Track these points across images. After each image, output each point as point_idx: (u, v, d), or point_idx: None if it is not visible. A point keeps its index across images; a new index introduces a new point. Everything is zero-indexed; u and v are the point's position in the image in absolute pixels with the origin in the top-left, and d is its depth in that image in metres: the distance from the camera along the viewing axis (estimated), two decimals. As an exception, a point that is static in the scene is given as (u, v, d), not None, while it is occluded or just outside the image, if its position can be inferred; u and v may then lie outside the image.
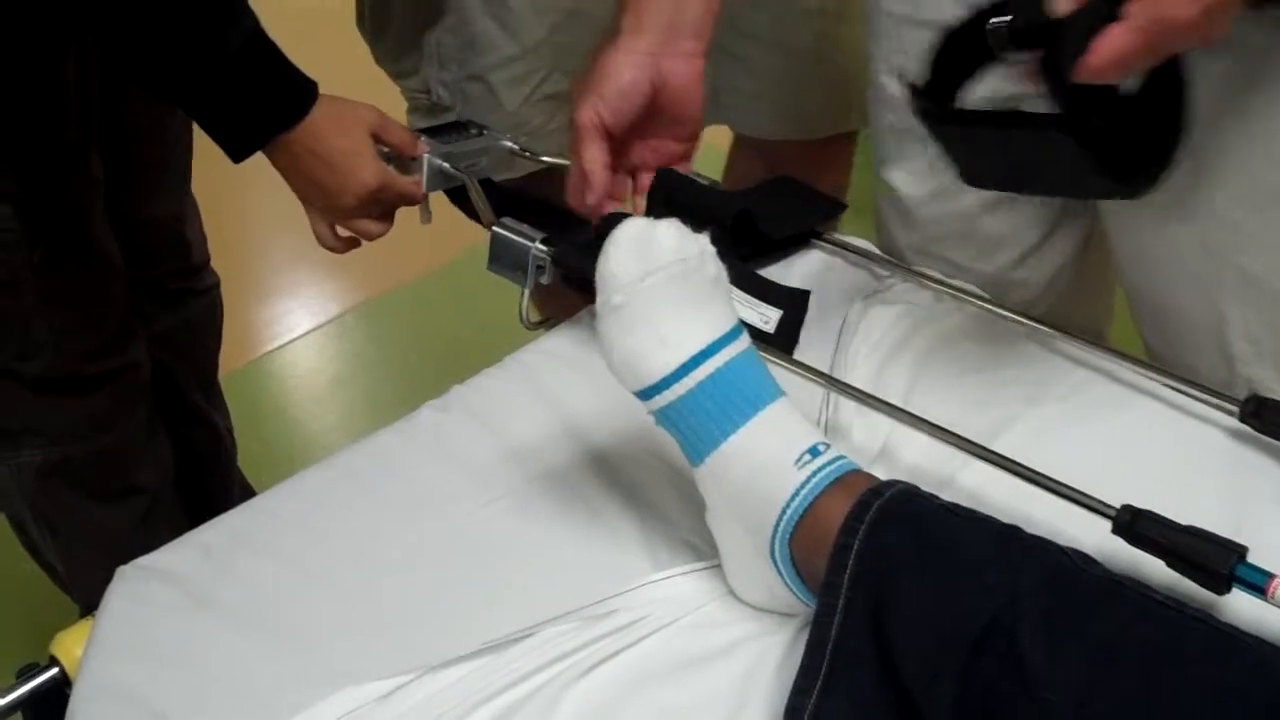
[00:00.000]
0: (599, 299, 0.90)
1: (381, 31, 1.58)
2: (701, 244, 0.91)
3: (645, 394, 0.91)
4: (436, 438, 1.09)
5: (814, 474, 0.88)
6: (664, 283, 0.89)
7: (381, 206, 1.24)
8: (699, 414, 0.90)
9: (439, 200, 1.32)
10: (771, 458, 0.89)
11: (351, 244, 1.28)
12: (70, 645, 0.95)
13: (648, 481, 1.03)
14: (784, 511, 0.87)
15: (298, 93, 1.15)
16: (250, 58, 1.13)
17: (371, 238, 1.27)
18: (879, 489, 0.87)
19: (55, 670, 0.96)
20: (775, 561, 0.89)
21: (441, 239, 1.53)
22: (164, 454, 1.55)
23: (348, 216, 1.23)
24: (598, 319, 0.91)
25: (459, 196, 1.29)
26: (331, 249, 1.27)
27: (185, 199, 1.57)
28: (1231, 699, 0.74)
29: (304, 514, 1.03)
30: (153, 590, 0.96)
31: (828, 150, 1.67)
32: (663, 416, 0.91)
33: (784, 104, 1.60)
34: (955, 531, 0.84)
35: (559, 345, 1.18)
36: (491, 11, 1.49)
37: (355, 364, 2.50)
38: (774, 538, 0.88)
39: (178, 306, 1.58)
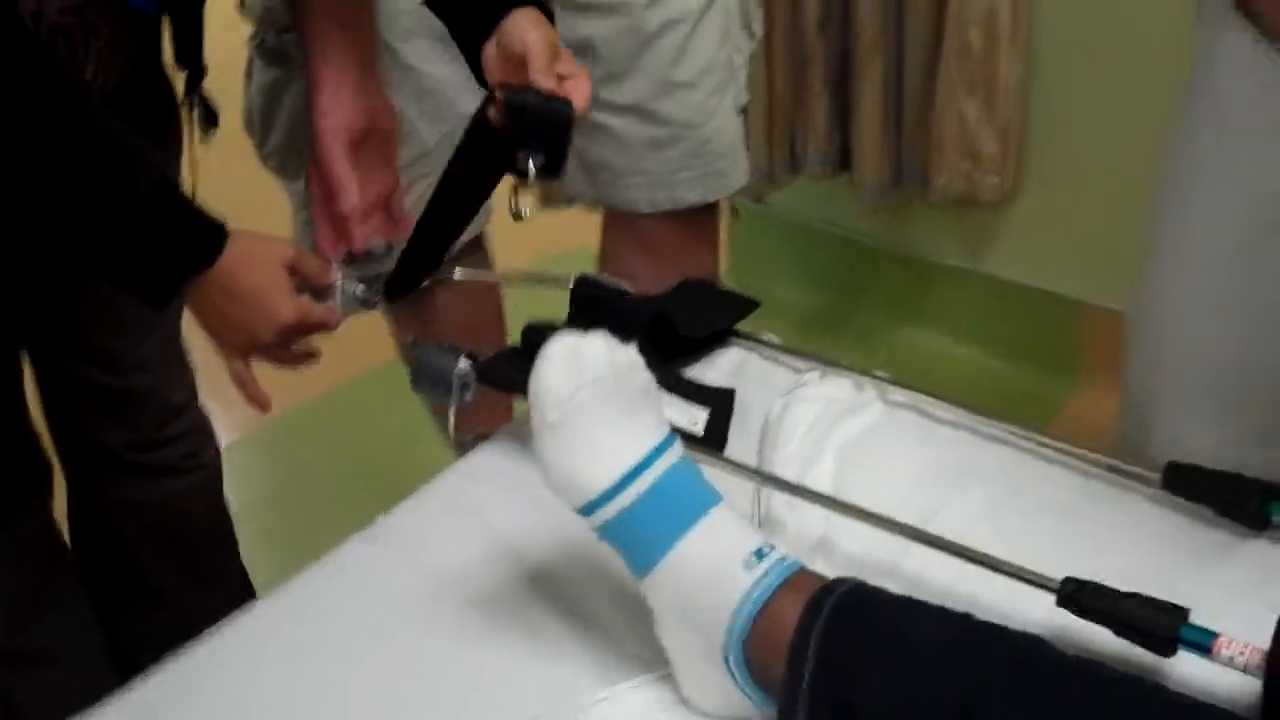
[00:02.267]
0: (534, 417, 0.90)
1: (268, 134, 1.59)
2: (630, 355, 0.92)
3: (586, 510, 0.90)
4: (368, 571, 1.07)
5: (763, 576, 0.88)
6: (597, 397, 0.89)
7: (302, 337, 1.22)
8: (641, 526, 0.90)
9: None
10: (719, 563, 0.89)
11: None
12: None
13: (587, 596, 1.02)
14: (736, 616, 0.87)
15: (208, 235, 1.13)
16: (157, 206, 1.10)
17: (292, 367, 1.25)
18: (830, 587, 0.87)
19: None
20: (729, 666, 0.88)
21: (343, 356, 1.52)
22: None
23: (266, 351, 1.21)
24: (534, 438, 0.90)
25: None
26: (247, 387, 1.24)
27: (129, 356, 1.50)
28: None
29: (243, 659, 1.00)
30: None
31: (698, 222, 1.71)
32: (605, 531, 0.91)
33: (655, 176, 1.64)
34: (910, 624, 0.85)
35: (483, 463, 1.18)
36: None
37: (261, 490, 2.44)
38: (727, 643, 0.88)
39: (144, 479, 1.53)
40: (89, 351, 1.44)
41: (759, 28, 1.70)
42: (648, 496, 0.89)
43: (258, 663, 1.00)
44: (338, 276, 1.23)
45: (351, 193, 1.29)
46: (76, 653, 1.47)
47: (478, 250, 1.76)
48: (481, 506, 1.11)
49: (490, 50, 1.18)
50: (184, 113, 1.37)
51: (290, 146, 1.58)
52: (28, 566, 1.40)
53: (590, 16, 1.54)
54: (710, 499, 0.91)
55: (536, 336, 1.16)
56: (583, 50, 1.56)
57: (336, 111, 1.30)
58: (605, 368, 0.90)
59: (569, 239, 2.14)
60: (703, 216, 1.71)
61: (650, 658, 0.95)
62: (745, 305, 1.27)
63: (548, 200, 2.35)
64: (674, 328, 1.18)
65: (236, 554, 1.68)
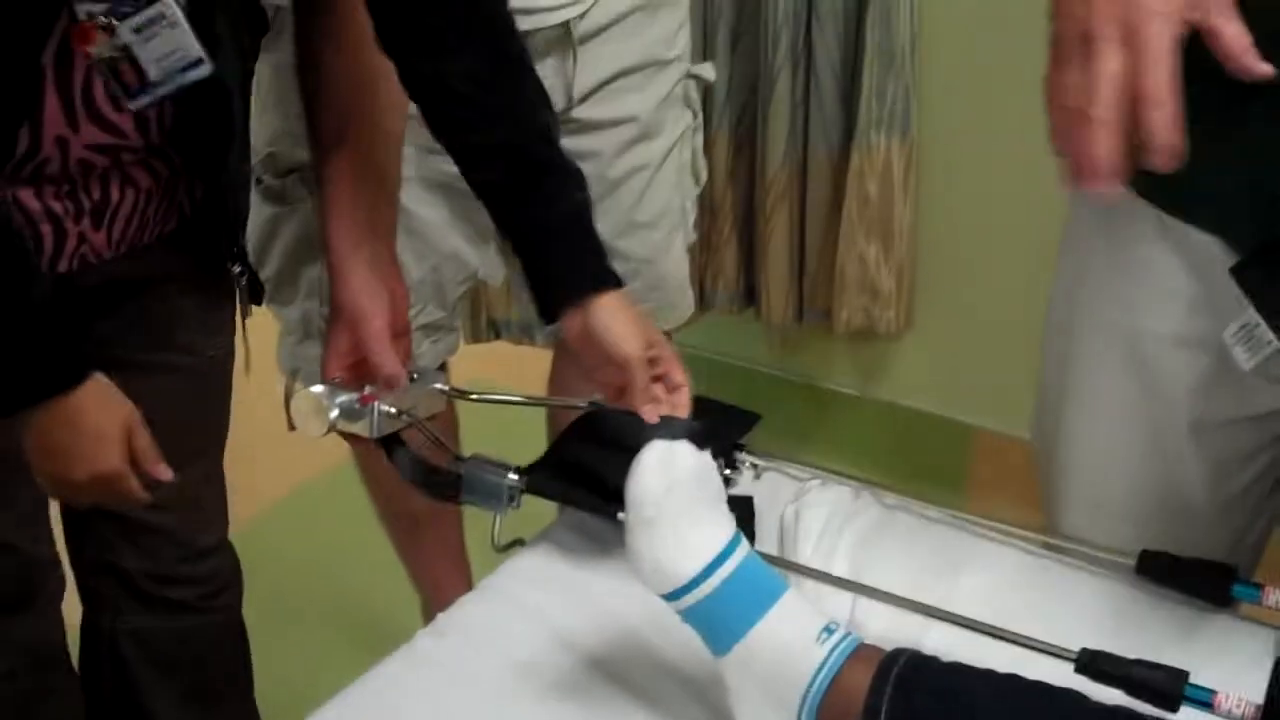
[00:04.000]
0: (629, 515, 1.02)
1: (262, 266, 1.69)
2: (707, 459, 1.05)
3: (674, 595, 1.02)
4: (441, 664, 1.17)
5: (833, 649, 1.01)
6: (686, 495, 1.03)
7: (106, 497, 1.25)
8: (725, 608, 1.02)
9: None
10: (794, 640, 1.02)
11: None
12: None
13: (648, 680, 1.13)
14: (811, 684, 1.00)
15: (74, 366, 1.17)
16: (35, 325, 1.14)
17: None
18: (894, 656, 1.01)
19: None
20: (801, 732, 1.01)
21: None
22: None
23: (73, 494, 1.25)
24: (628, 532, 1.03)
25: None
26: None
27: None
28: None
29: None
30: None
31: None
32: (690, 614, 1.03)
33: None
34: (969, 686, 0.99)
35: (527, 565, 1.28)
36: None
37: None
38: (801, 709, 1.00)
39: (158, 611, 1.53)
40: None
41: (704, 175, 1.88)
42: (728, 583, 1.02)
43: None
44: (373, 398, 1.34)
45: (401, 379, 1.35)
46: None
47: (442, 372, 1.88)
48: (533, 604, 1.22)
49: (578, 329, 1.27)
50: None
51: (283, 277, 1.68)
52: (21, 669, 1.44)
53: None
54: (781, 584, 1.04)
55: (572, 451, 1.29)
56: None
57: (378, 312, 1.35)
58: (691, 470, 1.03)
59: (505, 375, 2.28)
60: None
61: (718, 731, 1.08)
62: (749, 419, 1.41)
63: (475, 334, 2.48)
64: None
65: (249, 695, 1.68)
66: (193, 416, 1.47)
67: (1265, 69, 0.84)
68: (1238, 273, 1.09)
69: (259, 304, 1.44)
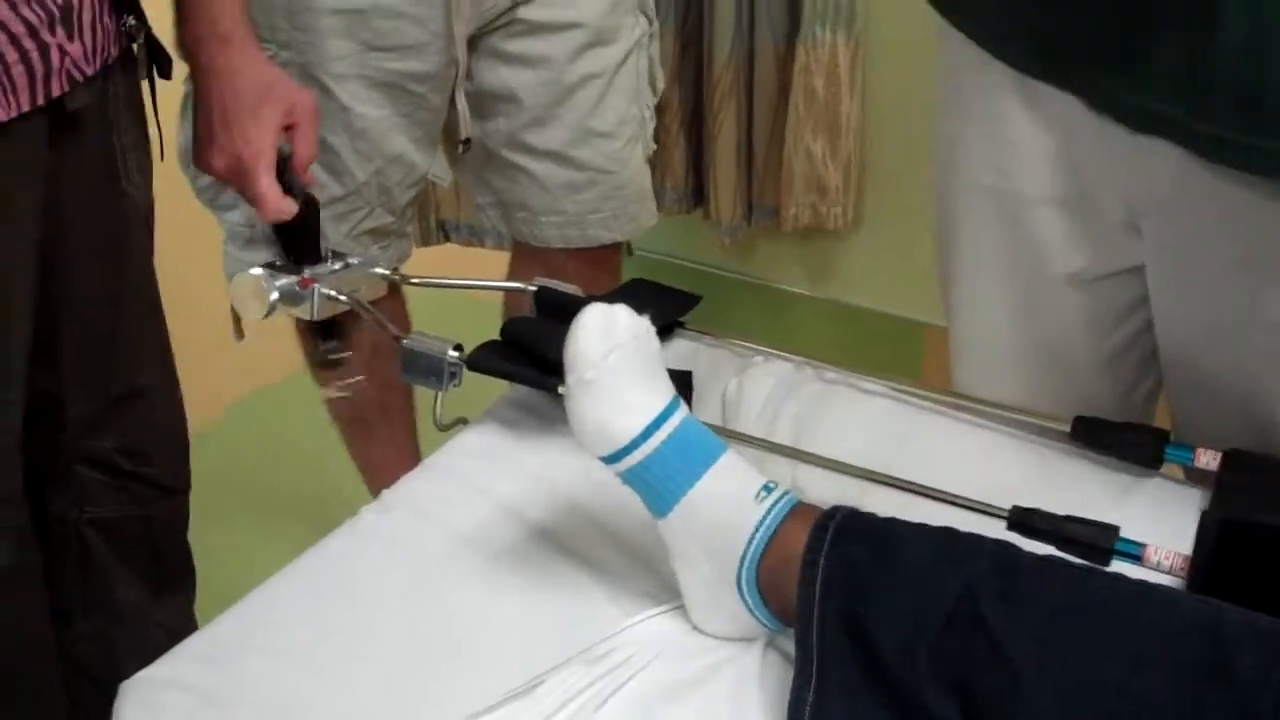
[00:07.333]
0: (570, 377, 1.03)
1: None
2: (646, 323, 1.06)
3: (614, 457, 1.03)
4: (386, 536, 1.18)
5: (772, 507, 1.03)
6: (624, 358, 1.03)
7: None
8: (665, 469, 1.03)
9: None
10: (733, 498, 1.03)
11: None
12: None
13: (592, 548, 1.15)
14: (751, 541, 1.02)
15: None
16: None
17: None
18: (831, 513, 1.02)
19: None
20: (741, 589, 1.02)
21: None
22: None
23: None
24: (568, 395, 1.03)
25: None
26: None
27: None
28: (1155, 632, 0.92)
29: (287, 616, 1.10)
30: (166, 697, 1.01)
31: (603, 257, 1.86)
32: (631, 475, 1.04)
33: (570, 216, 1.78)
34: (904, 538, 1.00)
35: (471, 443, 1.29)
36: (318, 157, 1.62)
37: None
38: (741, 566, 1.02)
39: (123, 493, 1.52)
40: None
41: (661, 85, 1.87)
42: (668, 444, 1.03)
43: (297, 618, 1.10)
44: (314, 282, 1.34)
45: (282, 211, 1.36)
46: (35, 670, 1.50)
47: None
48: (477, 477, 1.23)
49: None
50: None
51: (222, 183, 1.67)
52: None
53: (515, 67, 1.68)
54: (719, 445, 1.05)
55: (515, 329, 1.30)
56: (507, 98, 1.70)
57: (257, 138, 1.36)
58: (630, 333, 1.04)
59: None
60: (608, 252, 1.86)
61: (658, 593, 1.09)
62: (689, 300, 1.42)
63: (424, 237, 2.48)
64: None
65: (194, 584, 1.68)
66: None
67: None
68: None
69: (167, 77, 1.40)
